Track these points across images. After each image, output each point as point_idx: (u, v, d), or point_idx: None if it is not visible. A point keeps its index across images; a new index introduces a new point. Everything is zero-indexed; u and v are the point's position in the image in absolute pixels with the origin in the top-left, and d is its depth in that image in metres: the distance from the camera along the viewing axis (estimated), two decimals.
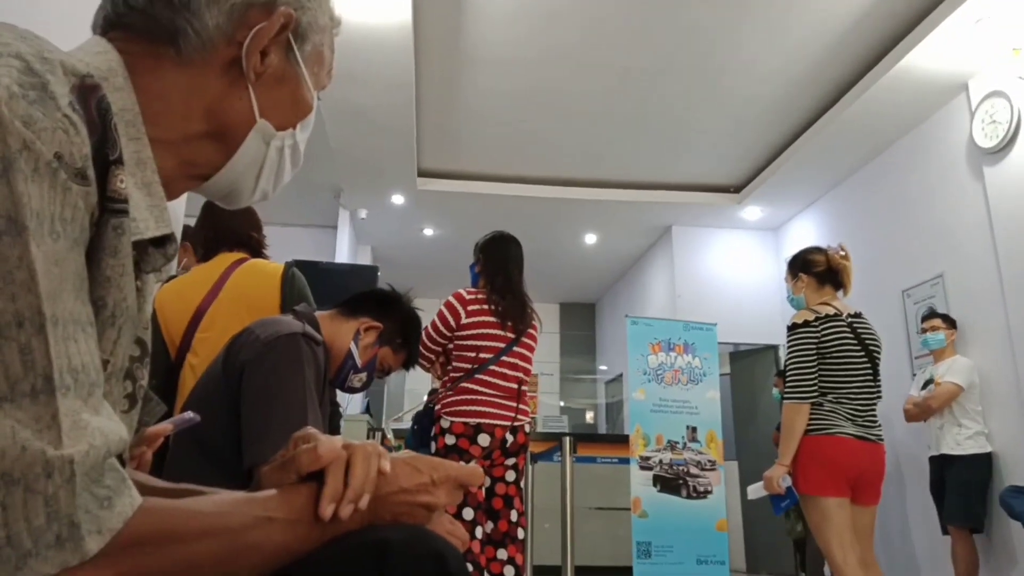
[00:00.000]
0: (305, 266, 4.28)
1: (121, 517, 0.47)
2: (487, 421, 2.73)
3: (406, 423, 7.61)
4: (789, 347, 2.77)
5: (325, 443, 0.65)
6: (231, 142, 0.69)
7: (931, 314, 4.51)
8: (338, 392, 1.94)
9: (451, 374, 2.84)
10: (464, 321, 2.81)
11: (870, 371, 2.74)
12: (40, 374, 0.45)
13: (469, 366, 2.80)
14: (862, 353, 2.72)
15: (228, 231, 2.28)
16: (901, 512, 4.97)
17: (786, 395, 2.71)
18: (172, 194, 0.67)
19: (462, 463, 0.81)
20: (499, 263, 2.96)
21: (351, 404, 6.05)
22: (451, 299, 2.87)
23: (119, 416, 0.60)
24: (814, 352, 2.68)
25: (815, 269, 2.87)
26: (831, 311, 2.75)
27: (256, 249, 2.33)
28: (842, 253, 2.87)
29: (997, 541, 4.10)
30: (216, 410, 1.39)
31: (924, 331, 4.42)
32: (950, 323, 4.40)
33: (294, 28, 0.70)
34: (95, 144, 0.51)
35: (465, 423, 2.72)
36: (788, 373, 2.73)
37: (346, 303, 1.78)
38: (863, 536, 2.65)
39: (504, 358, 2.83)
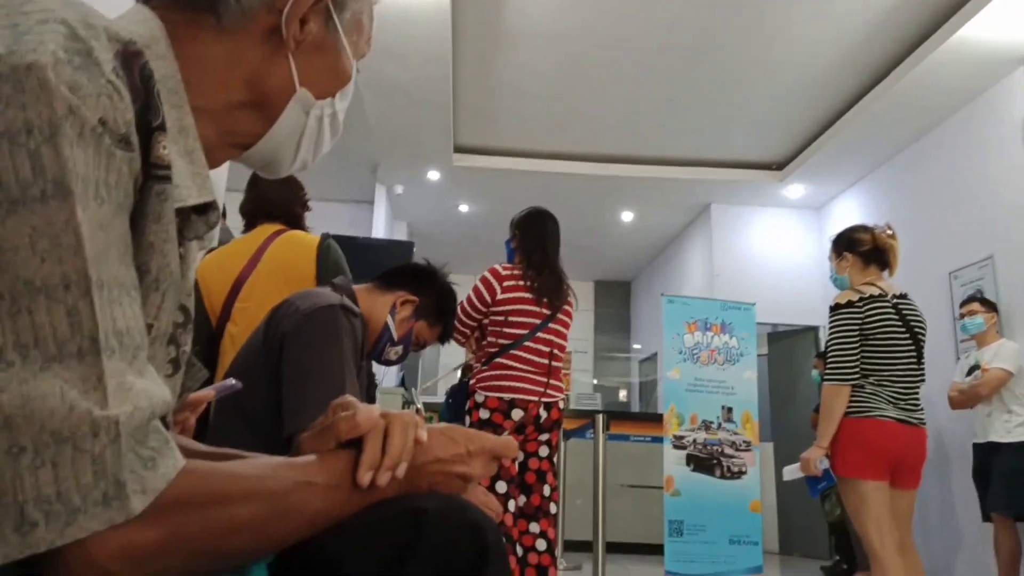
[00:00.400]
0: (342, 241, 4.32)
1: (165, 478, 0.48)
2: (521, 396, 2.74)
3: (438, 395, 7.70)
4: (831, 327, 2.71)
5: (363, 411, 0.65)
6: (271, 111, 0.69)
7: (969, 298, 4.38)
8: (374, 364, 1.96)
9: (486, 349, 2.85)
10: (500, 296, 2.82)
11: (914, 354, 2.67)
12: (87, 336, 0.45)
13: (504, 341, 2.80)
14: (907, 335, 2.65)
15: (268, 203, 2.31)
16: (942, 498, 4.87)
17: (827, 376, 2.65)
18: (214, 163, 0.67)
19: (507, 436, 0.81)
20: (536, 239, 2.94)
21: (386, 377, 6.14)
22: (487, 274, 2.88)
23: (163, 380, 0.62)
24: (856, 333, 2.62)
25: (860, 248, 2.80)
26: (876, 292, 2.68)
27: (295, 221, 2.35)
28: (889, 232, 2.80)
29: None
30: (257, 380, 1.42)
31: (962, 316, 4.29)
32: (989, 306, 4.26)
33: None
34: (138, 110, 0.51)
35: (500, 398, 2.73)
36: (829, 354, 2.68)
37: (383, 277, 1.79)
38: (902, 520, 2.61)
39: (539, 334, 2.83)
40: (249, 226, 2.35)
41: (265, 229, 2.28)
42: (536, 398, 2.78)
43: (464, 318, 2.86)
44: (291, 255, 2.19)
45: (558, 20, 4.62)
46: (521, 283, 2.85)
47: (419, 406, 4.70)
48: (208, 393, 1.17)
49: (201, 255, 0.68)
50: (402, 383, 6.10)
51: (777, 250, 6.89)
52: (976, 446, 4.19)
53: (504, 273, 2.87)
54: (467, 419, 2.78)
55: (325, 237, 2.25)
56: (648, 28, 4.66)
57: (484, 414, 2.73)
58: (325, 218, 6.32)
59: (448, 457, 0.70)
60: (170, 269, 0.56)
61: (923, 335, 2.71)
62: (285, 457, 0.62)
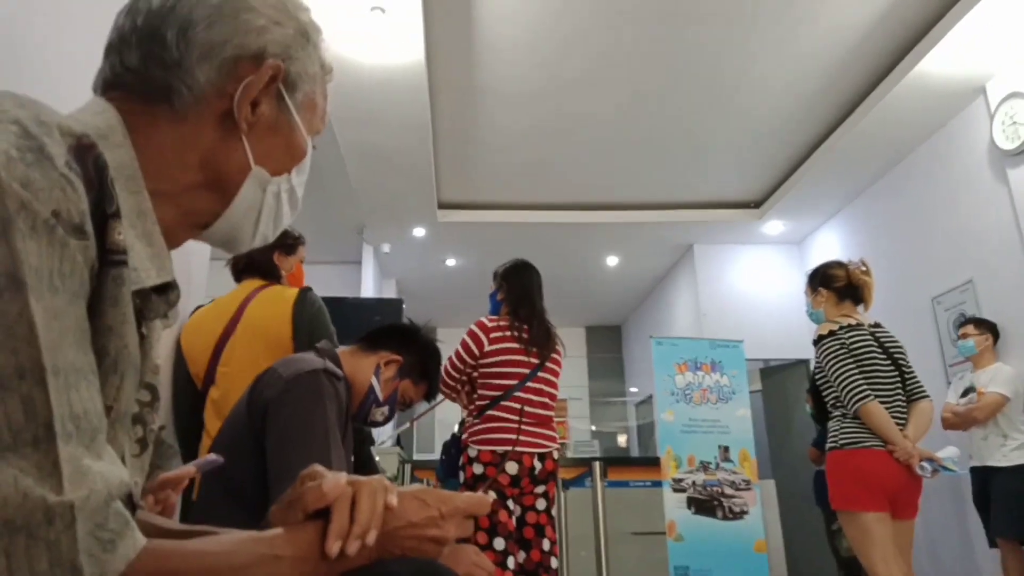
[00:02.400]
0: (332, 302, 4.33)
1: (124, 559, 0.49)
2: (514, 449, 2.72)
3: (433, 453, 7.59)
4: (821, 358, 2.74)
5: (330, 480, 0.66)
6: (228, 190, 0.72)
7: (964, 320, 4.41)
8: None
9: (476, 403, 2.84)
10: (487, 348, 2.82)
11: (898, 379, 2.70)
12: (41, 423, 0.46)
13: (494, 394, 2.79)
14: (888, 361, 2.69)
15: (249, 257, 2.29)
16: (947, 524, 4.82)
17: (853, 402, 2.62)
18: (174, 243, 0.69)
19: (479, 494, 0.82)
20: (523, 290, 2.97)
21: (379, 437, 6.07)
22: (473, 327, 2.88)
23: (129, 460, 0.62)
24: (847, 355, 2.66)
25: (835, 284, 2.86)
26: (852, 322, 2.74)
27: (273, 272, 2.32)
28: (863, 268, 2.85)
29: None
30: (243, 450, 1.42)
31: (963, 336, 4.29)
32: (984, 328, 4.28)
33: (283, 78, 0.73)
34: (93, 200, 0.53)
35: (492, 451, 2.70)
36: (836, 382, 2.67)
37: (366, 338, 1.81)
38: (903, 551, 2.58)
39: (529, 384, 2.82)
40: (237, 280, 2.33)
41: (248, 285, 2.27)
42: (534, 450, 2.76)
43: (453, 372, 2.86)
44: (267, 312, 2.17)
45: (531, 76, 4.75)
46: (508, 334, 2.86)
47: (376, 458, 4.62)
48: (189, 470, 1.17)
49: (167, 332, 0.69)
50: (398, 442, 6.03)
51: (761, 286, 6.95)
52: (973, 470, 4.17)
53: (491, 325, 2.88)
54: (461, 474, 2.75)
55: (303, 291, 2.23)
56: (618, 77, 4.79)
57: (478, 469, 2.70)
58: (315, 280, 6.28)
59: (420, 521, 0.70)
60: (128, 351, 0.57)
61: (903, 359, 2.74)
62: (252, 531, 0.63)
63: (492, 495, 2.67)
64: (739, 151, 5.75)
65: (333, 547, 0.62)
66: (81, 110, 0.65)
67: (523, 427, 2.75)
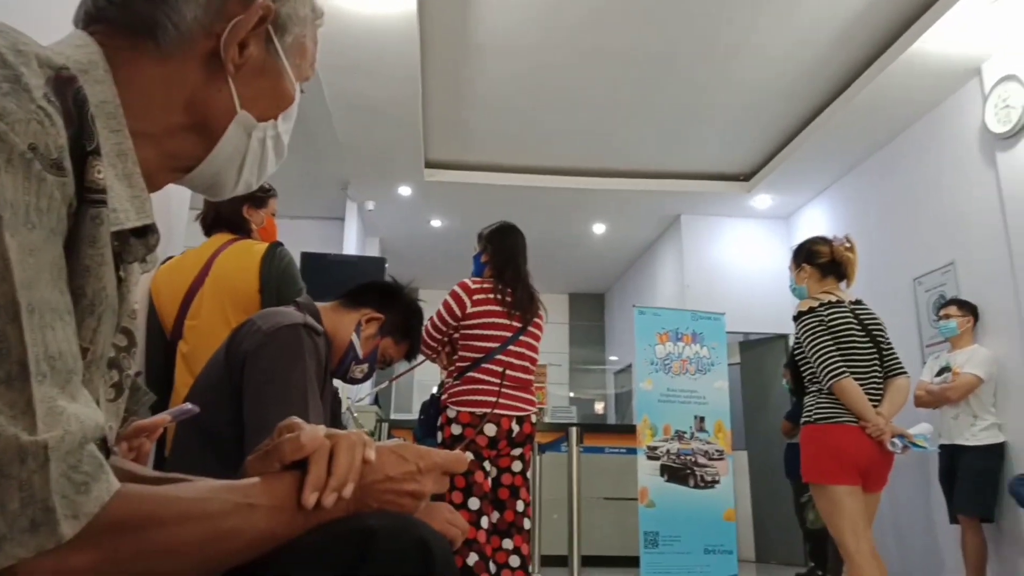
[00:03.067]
0: (313, 258, 4.31)
1: (97, 502, 0.48)
2: (493, 411, 2.74)
3: (411, 413, 7.63)
4: (800, 335, 2.78)
5: (308, 432, 0.65)
6: (212, 134, 0.69)
7: (947, 301, 4.45)
8: (344, 384, 1.95)
9: (457, 364, 2.84)
10: (470, 310, 2.82)
11: (875, 356, 2.74)
12: (15, 361, 0.45)
13: (475, 356, 2.80)
14: (866, 338, 2.73)
15: (219, 210, 2.25)
16: (906, 498, 4.94)
17: (828, 378, 2.66)
18: (154, 186, 0.67)
19: (456, 451, 0.81)
20: (508, 253, 2.97)
21: (359, 394, 6.09)
22: (456, 289, 2.88)
23: (104, 405, 0.61)
24: (826, 332, 2.70)
25: (819, 260, 2.88)
26: (833, 298, 2.78)
27: (241, 225, 2.28)
28: (847, 245, 2.87)
29: (1007, 530, 4.07)
30: (220, 401, 1.41)
31: (945, 317, 4.34)
32: (966, 310, 4.33)
33: (273, 20, 0.70)
34: (72, 135, 0.51)
35: (471, 413, 2.72)
36: (813, 358, 2.71)
37: (348, 295, 1.79)
38: (871, 522, 2.65)
39: (511, 347, 2.84)
40: (207, 235, 2.30)
41: (217, 239, 2.24)
42: (512, 412, 2.78)
43: (434, 332, 2.85)
44: (235, 267, 2.15)
45: (526, 34, 4.67)
46: (492, 296, 2.86)
47: (354, 414, 4.65)
48: (163, 418, 1.16)
49: (144, 276, 0.68)
50: (376, 401, 6.05)
51: (746, 260, 6.99)
52: (942, 448, 4.26)
53: (474, 287, 2.87)
54: (439, 435, 2.77)
55: (273, 246, 2.20)
56: (615, 41, 4.72)
57: (456, 429, 2.72)
58: (296, 235, 6.26)
59: (397, 475, 0.70)
60: (106, 293, 0.55)
61: (882, 336, 2.77)
62: (228, 480, 0.62)
63: (469, 454, 2.69)
64: (732, 123, 5.72)
65: (310, 498, 0.62)
66: (61, 42, 0.62)
67: (503, 390, 2.76)
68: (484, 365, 2.78)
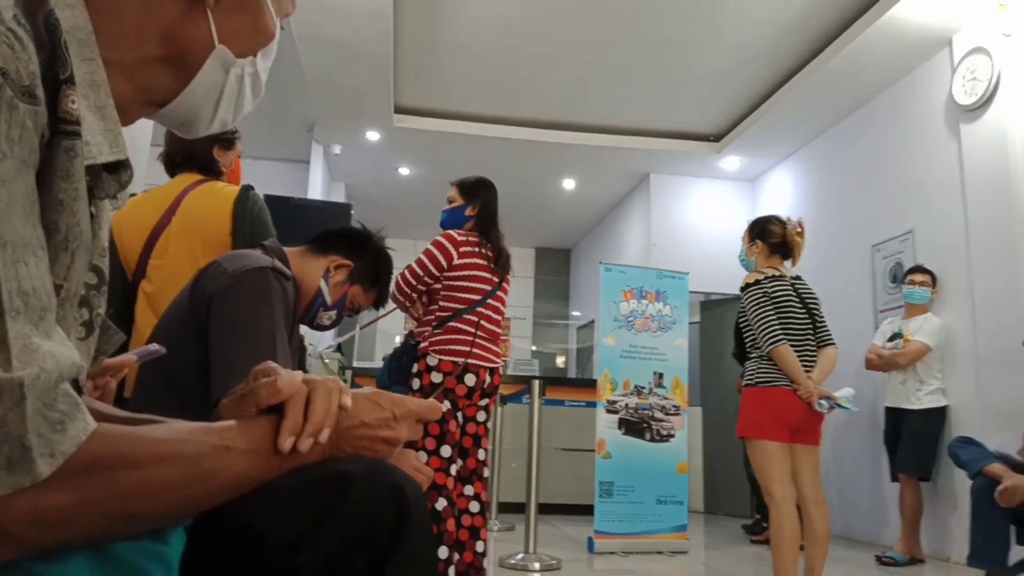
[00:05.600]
0: (276, 201, 4.22)
1: (74, 441, 0.47)
2: (473, 361, 2.79)
3: (374, 361, 7.63)
4: (746, 304, 3.00)
5: (285, 377, 0.65)
6: (188, 68, 0.67)
7: (913, 268, 4.53)
8: (308, 330, 1.93)
9: (438, 313, 2.85)
10: (456, 262, 2.84)
11: (810, 327, 2.98)
12: None
13: (457, 306, 2.83)
14: (803, 311, 2.97)
15: (186, 149, 2.18)
16: (853, 457, 5.16)
17: (767, 344, 2.89)
18: (127, 119, 0.65)
19: (431, 400, 0.82)
20: (492, 209, 3.00)
21: (322, 342, 6.07)
22: (443, 240, 2.86)
23: (75, 343, 0.60)
24: (770, 304, 2.93)
25: (771, 239, 3.08)
26: (776, 273, 3.02)
27: (213, 167, 2.23)
28: (799, 230, 3.08)
29: (942, 488, 4.29)
30: (183, 344, 1.38)
31: (912, 284, 4.41)
32: (931, 278, 4.45)
33: None
34: (44, 62, 0.48)
35: (454, 362, 2.76)
36: (756, 326, 2.94)
37: (316, 240, 1.76)
38: (812, 474, 2.90)
39: (488, 301, 2.89)
40: (170, 175, 2.23)
41: (184, 179, 2.18)
42: (488, 364, 2.84)
43: (414, 282, 2.84)
44: (206, 208, 2.10)
45: None
46: (477, 250, 2.88)
47: (325, 360, 4.66)
48: (129, 358, 1.14)
49: (114, 213, 0.65)
50: (338, 349, 6.04)
51: (712, 220, 7.06)
52: (888, 410, 4.44)
53: (460, 239, 2.88)
54: (417, 381, 2.78)
55: (245, 188, 2.15)
56: None
57: (436, 377, 2.74)
58: (259, 177, 6.10)
59: (373, 422, 0.71)
60: (80, 228, 0.54)
61: (817, 310, 3.03)
62: (204, 422, 0.62)
63: (446, 403, 2.74)
64: (706, 83, 5.70)
65: (286, 442, 0.62)
66: None
67: (478, 341, 2.81)
68: (466, 316, 2.82)
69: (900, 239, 4.95)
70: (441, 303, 2.84)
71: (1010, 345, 3.76)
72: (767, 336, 2.89)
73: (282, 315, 1.48)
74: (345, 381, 4.55)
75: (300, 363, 2.19)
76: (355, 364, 6.94)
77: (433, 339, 2.79)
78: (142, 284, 2.04)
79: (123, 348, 1.97)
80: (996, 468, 3.26)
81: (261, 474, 0.61)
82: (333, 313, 1.75)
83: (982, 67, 4.22)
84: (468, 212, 2.96)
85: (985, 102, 4.20)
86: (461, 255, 2.84)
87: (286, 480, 0.63)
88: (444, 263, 2.82)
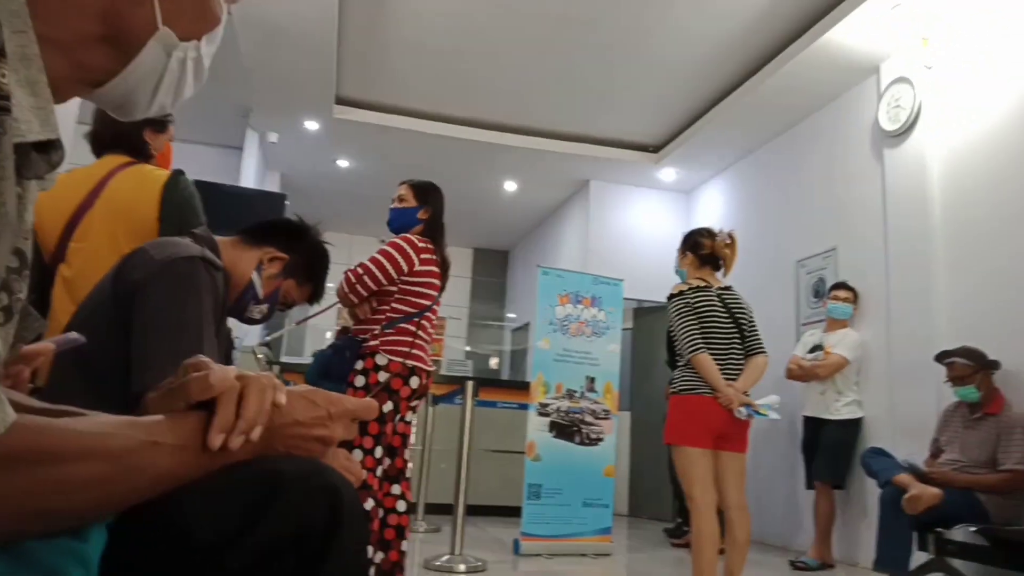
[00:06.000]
0: (207, 187, 4.06)
1: None
2: (419, 364, 2.82)
3: (303, 357, 7.47)
4: (671, 313, 3.10)
5: (218, 372, 0.63)
6: (128, 48, 0.63)
7: (837, 284, 4.74)
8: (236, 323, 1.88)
9: (389, 314, 2.83)
10: (417, 268, 2.85)
11: (737, 336, 3.07)
12: None
13: (410, 310, 2.84)
14: (729, 320, 3.06)
15: (115, 130, 2.09)
16: (770, 464, 5.35)
17: (687, 353, 2.98)
18: (60, 98, 0.61)
19: (368, 398, 0.81)
20: (441, 215, 3.02)
21: (249, 336, 5.90)
22: (404, 244, 2.86)
23: None
24: (692, 314, 3.03)
25: (700, 251, 3.19)
26: (702, 284, 3.11)
27: (142, 150, 2.14)
28: (728, 241, 3.19)
29: (854, 495, 4.49)
30: (103, 333, 1.32)
31: (835, 299, 4.62)
32: (853, 294, 4.66)
33: None
34: None
35: (403, 363, 2.76)
36: (678, 335, 3.03)
37: (250, 230, 1.71)
38: (736, 480, 2.99)
39: (434, 306, 2.93)
40: (96, 155, 2.13)
41: (110, 160, 2.08)
42: (428, 367, 2.87)
43: (370, 283, 2.80)
44: (133, 191, 2.01)
45: None
46: (433, 256, 2.91)
47: (260, 354, 4.55)
48: (47, 346, 1.08)
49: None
50: (266, 343, 5.88)
51: (648, 229, 7.21)
52: (806, 419, 4.63)
53: (420, 245, 2.89)
54: (362, 379, 2.74)
55: (176, 173, 2.07)
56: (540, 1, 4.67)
57: (383, 376, 2.73)
58: (190, 162, 5.84)
59: (307, 420, 0.69)
60: (5, 209, 0.51)
61: (744, 319, 3.11)
62: (130, 416, 0.59)
63: (389, 404, 2.72)
64: (647, 94, 5.82)
65: (216, 439, 0.60)
66: None
67: (422, 344, 2.85)
68: (416, 319, 2.84)
69: (823, 256, 5.16)
70: (394, 305, 2.83)
71: (921, 360, 3.97)
72: (688, 344, 2.98)
73: (210, 307, 1.43)
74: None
75: (227, 357, 2.13)
76: (283, 359, 6.78)
77: (385, 338, 2.77)
78: (60, 268, 1.94)
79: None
80: (903, 478, 3.44)
81: (189, 471, 0.59)
82: (265, 307, 1.71)
83: (905, 95, 4.45)
84: (420, 215, 2.96)
85: (907, 129, 4.43)
86: (422, 261, 2.86)
87: (216, 478, 0.61)
88: (405, 268, 2.83)
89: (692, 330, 2.99)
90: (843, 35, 4.45)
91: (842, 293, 4.63)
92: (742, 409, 2.92)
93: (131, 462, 0.55)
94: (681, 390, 3.00)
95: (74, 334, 1.12)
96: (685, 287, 3.10)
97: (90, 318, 1.40)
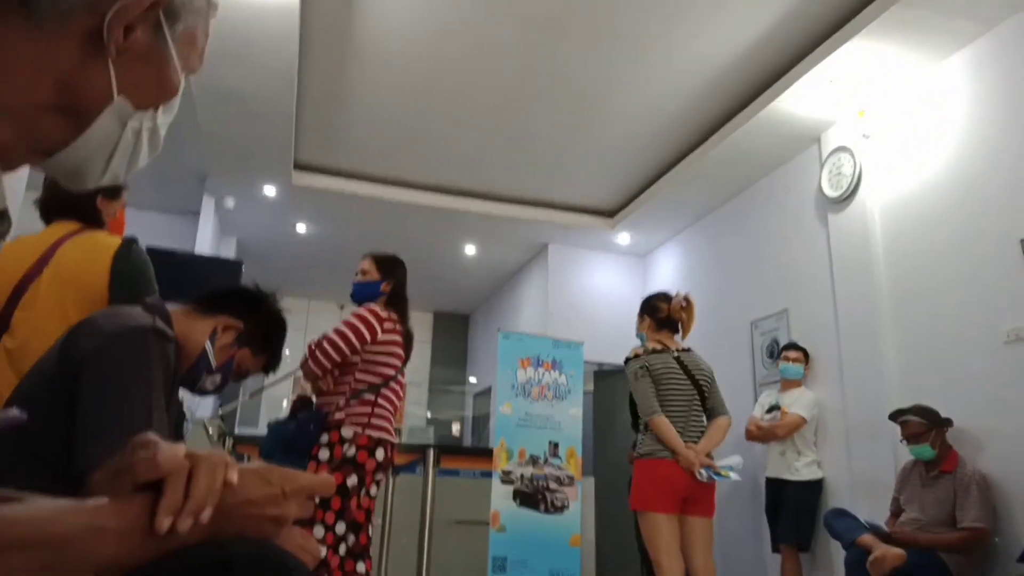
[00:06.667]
0: (161, 255, 4.00)
1: None
2: (385, 436, 2.79)
3: (257, 428, 7.24)
4: (629, 376, 3.14)
5: (166, 451, 0.60)
6: (82, 118, 0.63)
7: (787, 345, 4.84)
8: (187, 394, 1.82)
9: (352, 386, 2.79)
10: (380, 338, 2.85)
11: (696, 397, 3.10)
12: None
13: (374, 380, 2.82)
14: (688, 382, 3.10)
15: (65, 197, 2.05)
16: (735, 527, 5.31)
17: (645, 415, 2.99)
18: (9, 166, 0.60)
19: (324, 475, 0.79)
20: (403, 287, 3.04)
21: (201, 407, 5.71)
22: (367, 315, 2.87)
23: None
24: (648, 376, 3.06)
25: (657, 315, 3.28)
26: (659, 347, 3.17)
27: (94, 218, 2.10)
28: (683, 304, 3.27)
29: (820, 557, 4.47)
30: (48, 407, 1.26)
31: (786, 360, 4.71)
32: (803, 354, 4.75)
33: (166, 6, 0.65)
34: None
35: (369, 436, 2.74)
36: (637, 398, 3.07)
37: (204, 298, 1.67)
38: (703, 546, 2.96)
39: (399, 377, 2.93)
40: (46, 221, 2.08)
41: (60, 227, 2.03)
42: (390, 438, 2.84)
43: (333, 354, 2.77)
44: (83, 259, 1.97)
45: (409, 51, 4.65)
46: (396, 327, 2.92)
47: (210, 430, 4.40)
48: None
49: None
50: (220, 416, 5.70)
51: (606, 292, 7.29)
52: (768, 481, 4.62)
53: (384, 315, 2.90)
54: (326, 452, 2.68)
55: (128, 241, 2.03)
56: (496, 71, 4.81)
57: (350, 450, 2.68)
58: (144, 228, 5.77)
59: (260, 499, 0.66)
60: None
61: (704, 379, 3.15)
62: (71, 500, 0.56)
63: (353, 477, 2.65)
64: (601, 161, 5.98)
65: (163, 522, 0.57)
66: None
67: (387, 415, 2.83)
68: (381, 391, 2.82)
69: (776, 316, 5.27)
70: (358, 375, 2.82)
71: (876, 419, 4.04)
72: (644, 407, 2.99)
73: (160, 379, 1.39)
74: (226, 450, 4.29)
75: (178, 429, 2.06)
76: (237, 431, 6.56)
77: (352, 411, 2.73)
78: (3, 339, 1.86)
79: None
80: (867, 539, 3.44)
81: (135, 557, 0.56)
82: (218, 377, 1.66)
83: (846, 163, 4.66)
84: (383, 288, 2.97)
85: (849, 195, 4.62)
86: (385, 331, 2.86)
87: (164, 566, 0.57)
88: (368, 338, 2.83)
89: (648, 393, 3.00)
90: (785, 107, 4.68)
91: (792, 354, 4.72)
92: (703, 471, 2.90)
93: (73, 550, 0.52)
94: (642, 454, 2.99)
95: (15, 411, 1.06)
96: (642, 351, 3.14)
97: (35, 391, 1.34)
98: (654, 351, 3.13)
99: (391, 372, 2.87)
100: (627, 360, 3.16)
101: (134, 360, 1.33)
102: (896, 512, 3.69)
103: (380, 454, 2.76)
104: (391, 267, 3.02)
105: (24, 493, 0.66)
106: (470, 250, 7.80)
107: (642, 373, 3.05)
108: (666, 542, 2.85)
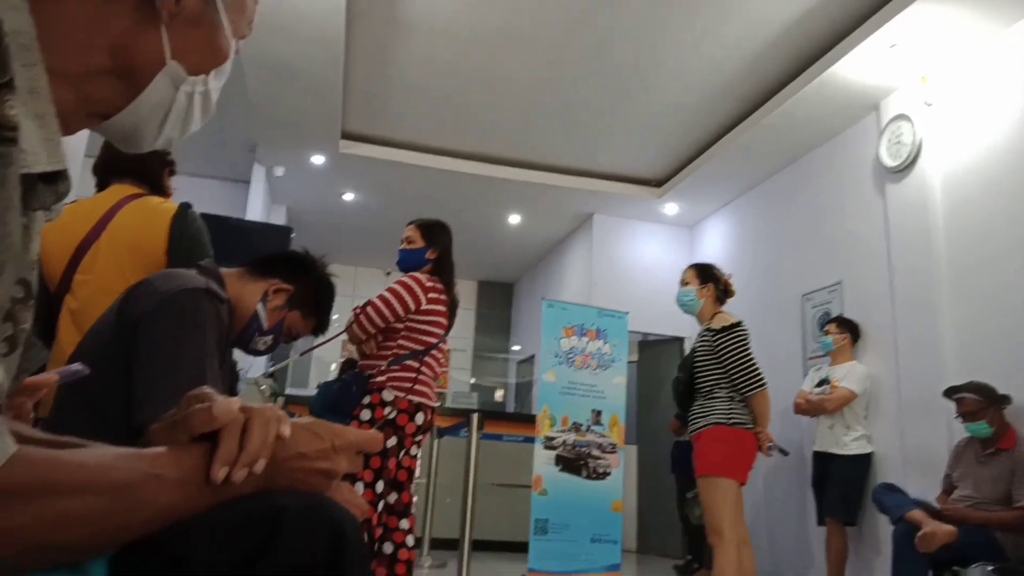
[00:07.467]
0: (213, 221, 4.09)
1: None
2: (425, 401, 2.85)
3: (307, 389, 7.43)
4: (734, 343, 3.05)
5: (221, 404, 0.62)
6: (137, 82, 0.64)
7: (830, 319, 4.77)
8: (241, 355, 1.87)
9: (395, 351, 2.86)
10: (424, 307, 2.88)
11: None
12: None
13: (417, 347, 2.88)
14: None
15: (123, 160, 2.08)
16: (781, 500, 5.27)
17: (754, 386, 2.99)
18: (68, 130, 0.62)
19: (372, 431, 0.81)
20: (449, 255, 3.06)
21: (254, 367, 5.89)
22: (411, 283, 2.90)
23: None
24: (748, 346, 3.06)
25: (719, 285, 3.25)
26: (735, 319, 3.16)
27: (154, 183, 2.14)
28: (731, 282, 3.31)
29: (866, 533, 4.41)
30: (107, 365, 1.32)
31: (826, 333, 4.69)
32: (845, 328, 4.65)
33: None
34: None
35: (410, 400, 2.80)
36: (743, 366, 3.01)
37: (256, 262, 1.71)
38: (742, 515, 3.01)
39: (441, 344, 2.98)
40: (101, 186, 2.12)
41: (118, 190, 2.07)
42: (430, 403, 2.90)
43: (377, 320, 2.84)
44: (141, 224, 2.00)
45: (457, 19, 4.61)
46: (441, 296, 2.96)
47: (263, 386, 4.53)
48: (51, 377, 1.07)
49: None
50: (271, 375, 5.86)
51: (652, 263, 7.21)
52: (816, 454, 4.56)
53: (428, 284, 2.93)
54: (368, 413, 2.75)
55: (184, 207, 2.07)
56: (544, 39, 4.74)
57: (391, 413, 2.75)
58: (196, 195, 5.86)
59: (311, 453, 0.68)
60: (11, 240, 0.51)
61: None
62: (133, 448, 0.59)
63: (394, 439, 2.73)
64: (649, 130, 5.87)
65: (219, 472, 0.59)
66: None
67: (427, 380, 2.89)
68: (423, 357, 2.87)
69: (828, 290, 5.15)
70: (401, 341, 2.88)
71: (930, 395, 3.93)
72: (754, 378, 2.97)
73: (214, 340, 1.43)
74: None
75: (231, 389, 2.12)
76: (288, 391, 6.75)
77: (393, 375, 2.79)
78: (67, 299, 1.94)
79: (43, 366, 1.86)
80: (916, 514, 3.38)
81: (191, 505, 0.58)
82: (269, 338, 1.70)
83: (906, 132, 4.48)
84: (428, 255, 3.00)
85: (908, 165, 4.44)
86: (429, 300, 2.90)
87: (218, 514, 0.60)
88: (412, 306, 2.86)
89: (756, 363, 3.00)
90: (843, 73, 4.50)
91: (831, 327, 4.66)
92: (771, 445, 2.98)
93: (133, 496, 0.54)
94: (735, 423, 2.98)
95: (78, 365, 1.11)
96: (734, 319, 3.11)
97: (95, 349, 1.40)
98: (740, 321, 3.12)
99: (433, 340, 2.92)
100: (731, 326, 3.09)
101: (189, 320, 1.38)
102: (948, 490, 3.61)
103: (420, 418, 2.83)
104: (435, 234, 3.04)
105: (87, 441, 0.70)
106: (515, 219, 7.78)
107: (748, 342, 3.03)
108: (732, 511, 2.87)
